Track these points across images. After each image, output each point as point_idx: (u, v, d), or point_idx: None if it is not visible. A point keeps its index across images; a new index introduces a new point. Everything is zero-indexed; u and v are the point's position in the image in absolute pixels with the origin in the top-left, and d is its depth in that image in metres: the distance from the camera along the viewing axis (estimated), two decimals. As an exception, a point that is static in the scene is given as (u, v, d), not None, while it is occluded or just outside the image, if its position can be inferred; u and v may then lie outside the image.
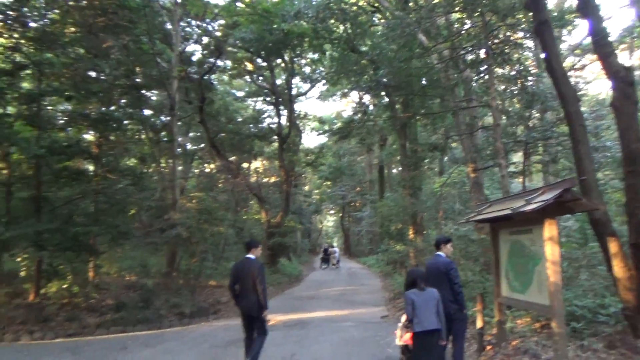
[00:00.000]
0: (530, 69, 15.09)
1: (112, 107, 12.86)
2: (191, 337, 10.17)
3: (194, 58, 20.82)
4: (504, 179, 11.79)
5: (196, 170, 28.92)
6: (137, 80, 13.32)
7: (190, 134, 27.20)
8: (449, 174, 20.12)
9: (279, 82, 25.88)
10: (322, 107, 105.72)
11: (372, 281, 21.74)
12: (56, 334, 9.91)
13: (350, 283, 21.04)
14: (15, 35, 10.76)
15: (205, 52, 21.62)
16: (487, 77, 12.77)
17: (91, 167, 13.06)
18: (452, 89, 14.26)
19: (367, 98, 29.22)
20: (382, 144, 32.23)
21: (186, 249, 14.06)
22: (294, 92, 26.56)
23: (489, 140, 16.04)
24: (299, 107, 33.89)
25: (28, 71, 10.96)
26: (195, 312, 12.16)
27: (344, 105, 44.76)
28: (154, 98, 19.37)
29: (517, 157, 20.09)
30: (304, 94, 29.84)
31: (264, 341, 6.89)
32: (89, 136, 14.04)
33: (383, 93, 20.30)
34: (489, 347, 7.04)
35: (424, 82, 16.90)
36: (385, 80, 15.72)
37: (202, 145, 26.94)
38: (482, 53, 13.55)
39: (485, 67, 12.50)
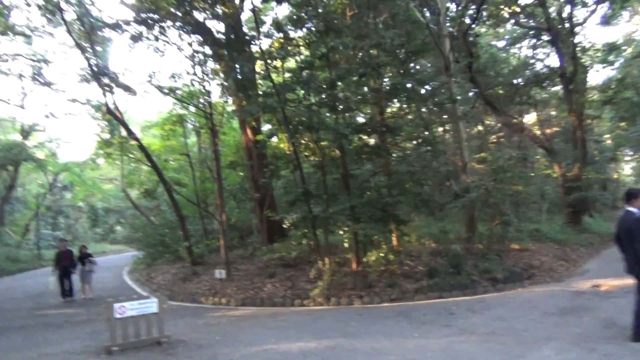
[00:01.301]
0: None
1: (385, 79, 13.18)
2: (515, 303, 9.46)
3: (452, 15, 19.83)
4: None
5: (464, 133, 27.80)
6: (410, 48, 13.20)
7: (458, 97, 26.26)
8: None
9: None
10: (603, 35, 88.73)
11: None
12: (381, 299, 10.63)
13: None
14: (304, 33, 12.04)
15: (460, 7, 20.39)
16: None
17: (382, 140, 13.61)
18: None
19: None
20: None
21: (484, 212, 13.39)
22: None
23: None
24: (578, 39, 28.82)
25: (318, 63, 12.02)
26: (508, 278, 11.40)
27: (633, 25, 36.49)
28: (417, 67, 19.30)
29: None
30: (583, 22, 25.18)
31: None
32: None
33: None
34: None
35: None
36: None
37: (467, 106, 25.71)
38: None
39: None
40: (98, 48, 19.17)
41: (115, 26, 15.51)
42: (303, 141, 12.66)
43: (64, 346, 8.08)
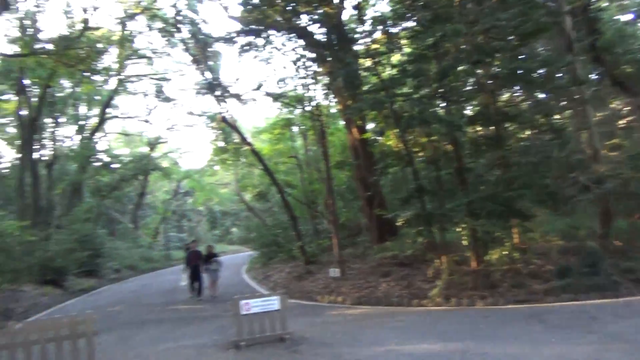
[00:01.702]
0: None
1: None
2: (671, 308, 8.30)
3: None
4: None
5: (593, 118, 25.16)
6: (527, 29, 12.20)
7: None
8: None
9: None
10: None
11: None
12: (506, 300, 9.89)
13: None
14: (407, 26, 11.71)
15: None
16: None
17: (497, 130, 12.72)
18: None
19: None
20: None
21: (622, 204, 11.93)
22: None
23: None
24: None
25: (428, 53, 11.55)
26: (658, 279, 10.00)
27: None
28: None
29: None
30: None
31: None
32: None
33: None
34: None
35: None
36: None
37: (592, 89, 23.17)
38: None
39: None
40: (210, 63, 20.53)
41: (227, 39, 16.44)
42: (412, 136, 12.30)
43: (196, 340, 8.63)
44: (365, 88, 13.15)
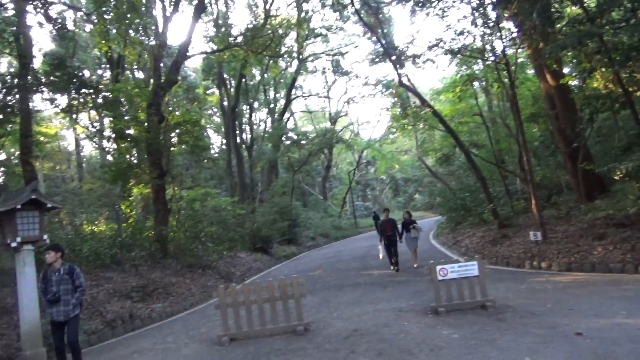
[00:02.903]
0: None
1: None
2: None
3: None
4: None
5: None
6: None
7: None
8: None
9: None
10: None
11: None
12: None
13: None
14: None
15: None
16: None
17: None
18: None
19: None
20: None
21: None
22: None
23: None
24: None
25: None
26: None
27: None
28: None
29: None
30: None
31: None
32: None
33: None
34: None
35: None
36: None
37: None
38: None
39: None
40: (383, 28, 20.27)
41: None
42: (628, 72, 10.21)
43: (393, 304, 8.68)
44: (561, 25, 11.33)
